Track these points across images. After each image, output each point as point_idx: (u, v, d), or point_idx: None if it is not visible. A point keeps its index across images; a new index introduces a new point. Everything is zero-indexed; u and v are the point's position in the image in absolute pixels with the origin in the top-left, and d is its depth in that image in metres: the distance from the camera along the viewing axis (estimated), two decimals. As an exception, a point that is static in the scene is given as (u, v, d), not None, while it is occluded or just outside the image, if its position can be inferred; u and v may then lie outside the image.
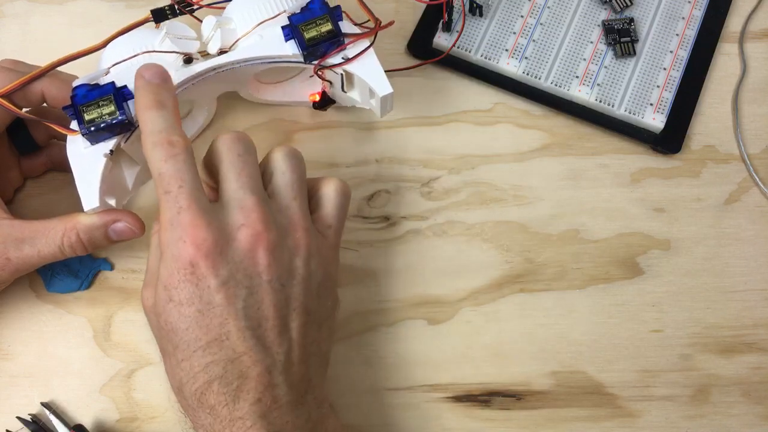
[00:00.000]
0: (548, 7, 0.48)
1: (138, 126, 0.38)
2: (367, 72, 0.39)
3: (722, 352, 0.43)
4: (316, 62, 0.39)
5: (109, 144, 0.37)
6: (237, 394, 0.32)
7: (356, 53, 0.39)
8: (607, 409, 0.42)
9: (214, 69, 0.39)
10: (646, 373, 0.42)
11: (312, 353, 0.35)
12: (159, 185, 0.34)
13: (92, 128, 0.36)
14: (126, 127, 0.37)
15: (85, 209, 0.37)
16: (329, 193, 0.38)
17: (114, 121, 0.36)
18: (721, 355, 0.43)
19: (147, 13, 0.41)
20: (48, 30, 0.49)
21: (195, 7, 0.41)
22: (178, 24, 0.40)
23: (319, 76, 0.41)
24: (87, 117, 0.36)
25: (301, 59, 0.39)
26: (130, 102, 0.37)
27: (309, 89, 0.45)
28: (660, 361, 0.43)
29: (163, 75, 0.36)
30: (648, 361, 0.43)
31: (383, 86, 0.39)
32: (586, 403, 0.42)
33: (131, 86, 0.37)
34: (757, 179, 0.46)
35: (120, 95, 0.37)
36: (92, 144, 0.37)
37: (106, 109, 0.36)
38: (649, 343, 0.43)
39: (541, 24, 0.48)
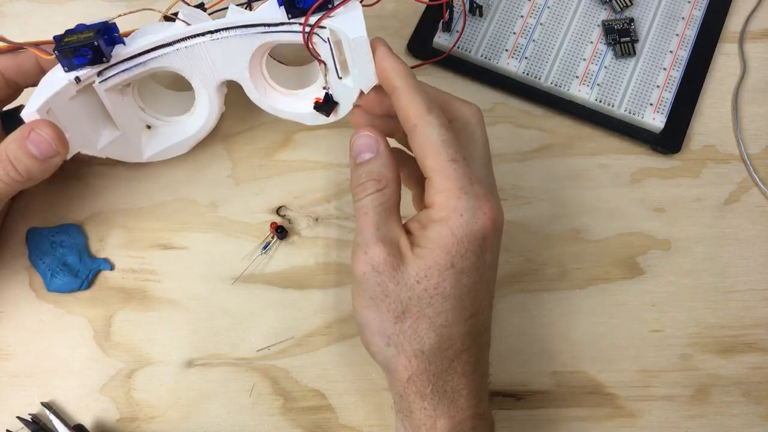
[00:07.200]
0: (548, 7, 0.49)
1: (111, 63, 0.38)
2: (347, 23, 0.36)
3: (722, 352, 0.43)
4: (302, 21, 0.37)
5: (81, 72, 0.38)
6: (475, 366, 0.34)
7: (340, 3, 0.36)
8: (607, 409, 0.42)
9: (210, 32, 0.39)
10: (646, 373, 0.42)
11: None
12: (442, 151, 0.33)
13: (64, 47, 0.36)
14: (98, 55, 0.37)
15: (23, 116, 0.37)
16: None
17: (86, 43, 0.36)
18: (721, 355, 0.43)
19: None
20: (48, 30, 0.48)
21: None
22: (195, 10, 0.40)
23: (311, 53, 0.40)
24: (65, 40, 0.37)
25: (286, 20, 0.38)
26: (118, 47, 0.38)
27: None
28: (660, 361, 0.43)
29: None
30: (648, 361, 0.43)
31: (356, 29, 0.36)
32: (586, 403, 0.42)
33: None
34: (757, 179, 0.46)
35: (107, 29, 0.37)
36: (66, 72, 0.38)
37: (84, 35, 0.37)
38: (649, 343, 0.43)
39: (541, 24, 0.48)
